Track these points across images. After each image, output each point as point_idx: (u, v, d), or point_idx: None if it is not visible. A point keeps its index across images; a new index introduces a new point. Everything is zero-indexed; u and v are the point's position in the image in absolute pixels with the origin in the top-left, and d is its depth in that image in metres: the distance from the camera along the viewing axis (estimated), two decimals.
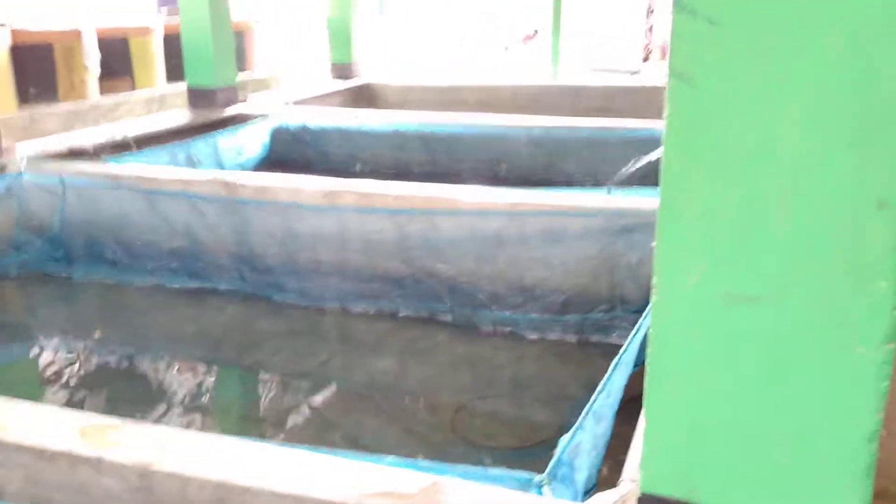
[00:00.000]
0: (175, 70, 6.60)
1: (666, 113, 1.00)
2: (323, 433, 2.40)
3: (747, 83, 0.96)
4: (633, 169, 4.22)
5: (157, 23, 7.05)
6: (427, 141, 4.97)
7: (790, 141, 0.96)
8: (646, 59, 10.84)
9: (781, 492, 1.09)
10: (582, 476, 1.44)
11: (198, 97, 5.24)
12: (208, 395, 2.75)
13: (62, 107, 5.93)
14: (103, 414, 1.56)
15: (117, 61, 6.60)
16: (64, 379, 2.74)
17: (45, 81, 6.06)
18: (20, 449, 1.44)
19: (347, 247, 3.08)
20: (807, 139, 0.95)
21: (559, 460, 1.39)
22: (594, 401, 1.58)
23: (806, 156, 0.96)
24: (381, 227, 3.01)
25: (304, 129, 5.18)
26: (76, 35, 6.06)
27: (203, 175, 3.48)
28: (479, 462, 2.06)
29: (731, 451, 1.10)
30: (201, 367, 2.89)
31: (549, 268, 2.83)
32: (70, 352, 2.97)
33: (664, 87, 1.00)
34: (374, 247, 3.03)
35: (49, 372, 2.82)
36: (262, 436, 2.37)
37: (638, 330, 1.90)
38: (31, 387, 2.76)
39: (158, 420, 2.45)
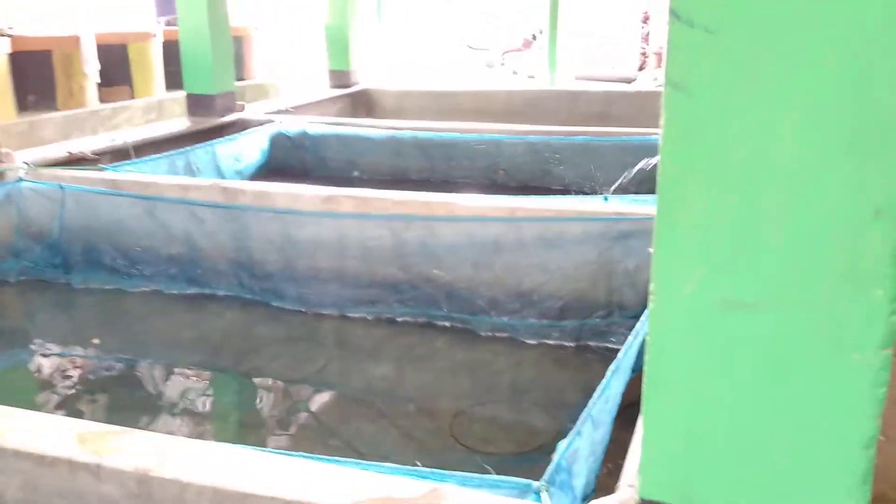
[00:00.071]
0: (174, 77, 6.61)
1: (662, 121, 1.01)
2: (321, 439, 2.41)
3: (743, 92, 0.97)
4: (630, 176, 4.24)
5: (156, 29, 7.06)
6: (425, 148, 4.99)
7: (786, 149, 0.97)
8: (642, 68, 10.85)
9: (779, 497, 1.09)
10: (580, 482, 1.45)
11: (196, 104, 5.25)
12: (207, 402, 2.75)
13: (61, 114, 5.94)
14: (102, 420, 1.56)
15: (116, 68, 6.61)
16: (63, 385, 2.74)
17: (44, 88, 6.06)
18: (19, 455, 1.45)
19: (346, 253, 3.08)
20: (803, 147, 0.96)
21: (557, 466, 1.40)
22: (592, 406, 1.59)
23: (802, 164, 0.96)
24: (380, 233, 3.01)
25: (303, 136, 5.19)
26: (75, 42, 6.07)
27: (202, 182, 3.48)
28: (477, 467, 2.06)
29: (729, 457, 1.10)
30: (200, 374, 2.89)
31: (546, 273, 2.84)
32: (69, 358, 2.97)
33: (660, 93, 1.01)
34: (373, 253, 3.04)
35: (48, 378, 2.82)
36: (260, 442, 2.37)
37: (635, 335, 1.91)
38: (29, 393, 2.75)
39: (157, 426, 2.44)
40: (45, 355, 3.02)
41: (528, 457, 2.23)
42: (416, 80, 9.47)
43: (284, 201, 3.18)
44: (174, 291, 3.37)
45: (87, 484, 1.41)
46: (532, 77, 10.31)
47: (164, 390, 2.76)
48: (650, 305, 1.09)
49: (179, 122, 5.00)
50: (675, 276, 1.06)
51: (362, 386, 2.73)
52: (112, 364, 2.96)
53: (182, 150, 4.34)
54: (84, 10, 6.76)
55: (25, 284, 3.54)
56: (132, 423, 1.87)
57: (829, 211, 0.96)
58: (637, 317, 2.14)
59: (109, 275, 3.47)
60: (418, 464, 1.52)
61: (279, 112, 5.54)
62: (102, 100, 6.39)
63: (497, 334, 2.93)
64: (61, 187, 3.49)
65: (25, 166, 3.61)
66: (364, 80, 7.29)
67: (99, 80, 6.26)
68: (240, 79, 7.08)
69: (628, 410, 1.58)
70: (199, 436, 2.41)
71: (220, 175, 4.49)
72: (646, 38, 11.13)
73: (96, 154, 4.00)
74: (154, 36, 6.92)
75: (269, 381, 2.82)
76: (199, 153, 4.41)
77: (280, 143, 5.16)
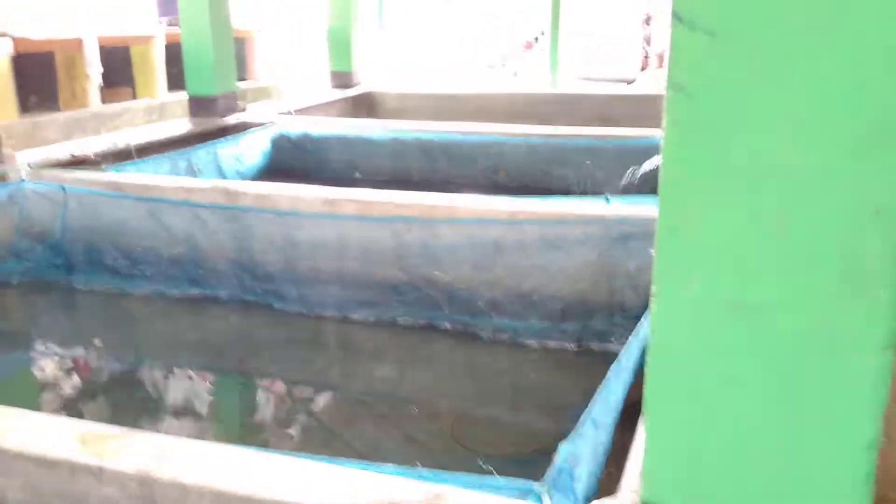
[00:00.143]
0: (176, 79, 6.62)
1: (664, 124, 1.01)
2: (323, 441, 2.40)
3: (745, 94, 0.97)
4: (633, 178, 4.23)
5: (158, 31, 7.07)
6: (427, 149, 4.99)
7: (788, 151, 0.97)
8: (643, 69, 10.85)
9: (780, 498, 1.09)
10: (581, 484, 1.44)
11: (198, 106, 5.25)
12: (208, 403, 2.75)
13: (63, 115, 5.95)
14: (104, 422, 1.56)
15: (118, 70, 6.62)
16: (64, 386, 2.74)
17: (47, 90, 6.07)
18: (20, 457, 1.45)
19: (347, 255, 3.09)
20: (804, 149, 0.96)
21: (558, 468, 1.39)
22: (593, 408, 1.59)
23: (803, 165, 0.96)
24: (381, 234, 3.01)
25: (305, 138, 5.19)
26: (77, 44, 6.08)
27: (204, 183, 3.49)
28: (478, 469, 2.06)
29: (731, 460, 1.10)
30: (202, 375, 2.89)
31: (548, 275, 2.83)
32: (70, 359, 2.97)
33: (662, 96, 1.01)
34: (374, 255, 3.04)
35: (49, 379, 2.82)
36: (262, 444, 2.37)
37: (637, 336, 1.91)
38: (31, 394, 2.75)
39: (158, 428, 2.45)
40: (46, 356, 3.02)
41: (530, 459, 2.23)
42: (417, 81, 9.48)
43: (286, 202, 3.18)
44: (176, 292, 3.38)
45: (88, 485, 1.41)
46: (532, 78, 10.32)
47: (166, 392, 2.76)
48: (652, 307, 1.09)
49: (181, 124, 5.01)
50: (678, 279, 1.06)
51: (363, 388, 2.73)
52: (114, 366, 2.96)
53: (183, 150, 4.34)
54: (85, 10, 6.76)
55: (27, 285, 3.54)
56: (134, 424, 1.86)
57: (831, 211, 0.96)
58: (639, 318, 2.14)
59: (111, 276, 3.47)
60: (419, 465, 1.52)
61: (281, 113, 5.55)
62: (104, 101, 6.41)
63: (498, 336, 2.93)
64: (63, 188, 3.49)
65: (27, 167, 3.62)
66: (365, 81, 7.30)
67: (101, 82, 6.28)
68: (241, 80, 7.09)
69: (630, 411, 1.58)
70: (201, 437, 2.41)
71: (222, 176, 4.49)
72: (647, 40, 11.14)
73: (98, 155, 4.01)
74: (156, 38, 6.94)
75: (271, 383, 2.82)
76: (201, 154, 4.41)
77: (282, 145, 5.16)
